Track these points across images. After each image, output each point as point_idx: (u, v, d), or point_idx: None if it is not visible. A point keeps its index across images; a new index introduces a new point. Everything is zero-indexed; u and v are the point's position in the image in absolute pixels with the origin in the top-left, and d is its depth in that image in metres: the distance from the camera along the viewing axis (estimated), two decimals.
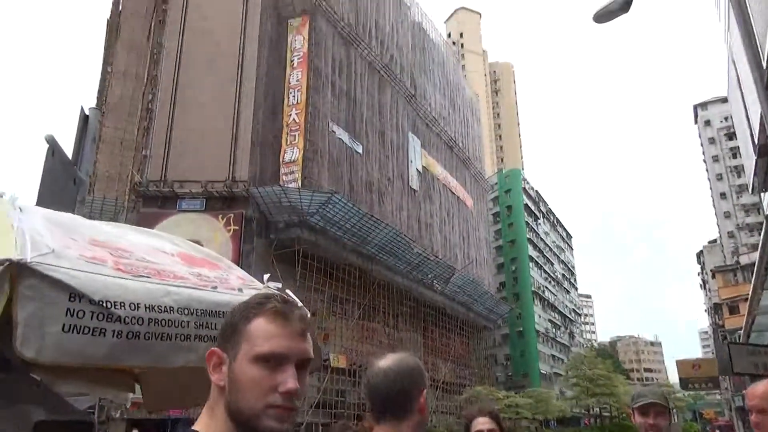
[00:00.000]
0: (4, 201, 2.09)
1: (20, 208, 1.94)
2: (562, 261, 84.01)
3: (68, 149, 3.99)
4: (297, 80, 29.96)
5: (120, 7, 36.68)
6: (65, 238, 1.89)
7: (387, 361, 1.44)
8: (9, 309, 1.53)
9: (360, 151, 32.75)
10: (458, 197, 46.96)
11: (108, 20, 39.54)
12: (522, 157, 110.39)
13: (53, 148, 3.51)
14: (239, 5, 29.80)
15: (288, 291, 2.40)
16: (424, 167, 41.25)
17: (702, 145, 65.56)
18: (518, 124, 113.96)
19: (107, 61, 36.91)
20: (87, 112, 3.92)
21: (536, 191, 77.52)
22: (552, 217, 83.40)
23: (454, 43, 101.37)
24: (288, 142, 28.81)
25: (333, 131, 30.44)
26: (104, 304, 1.62)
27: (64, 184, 3.89)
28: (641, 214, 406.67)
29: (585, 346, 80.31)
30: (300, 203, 25.83)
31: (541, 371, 60.67)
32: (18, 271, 1.53)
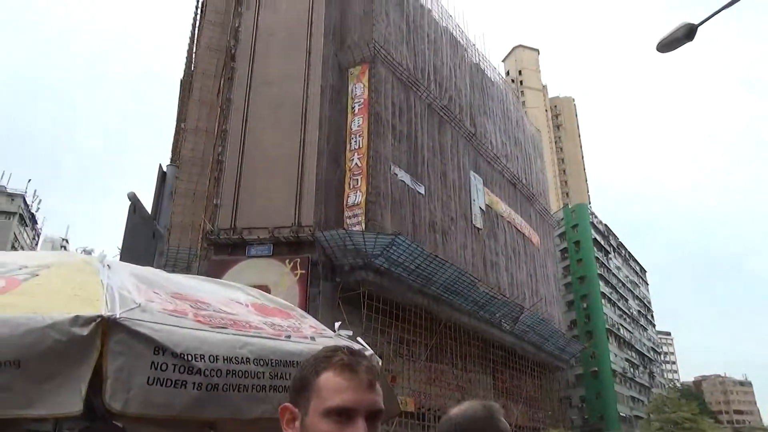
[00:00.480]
0: (93, 259, 2.22)
1: (108, 266, 2.06)
2: (637, 297, 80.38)
3: (147, 204, 4.22)
4: (358, 126, 30.59)
5: (192, 68, 39.06)
6: (149, 292, 1.98)
7: (457, 410, 1.40)
8: (99, 361, 1.61)
9: (422, 192, 32.82)
10: (524, 234, 46.02)
11: (181, 80, 42.26)
12: (588, 191, 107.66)
13: (135, 205, 3.73)
14: (302, 60, 31.04)
15: (359, 339, 2.40)
16: (487, 205, 40.79)
17: None
18: (582, 157, 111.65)
19: (181, 118, 39.17)
20: (165, 169, 4.14)
21: (605, 225, 75.07)
22: (623, 252, 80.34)
23: (513, 80, 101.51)
24: (351, 186, 29.25)
25: (395, 174, 30.72)
26: (185, 357, 1.67)
27: (145, 238, 4.12)
28: (728, 244, 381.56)
29: (667, 386, 75.74)
30: (364, 246, 25.92)
31: (620, 414, 57.50)
32: (108, 326, 1.60)
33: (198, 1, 40.42)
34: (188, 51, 42.13)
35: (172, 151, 40.41)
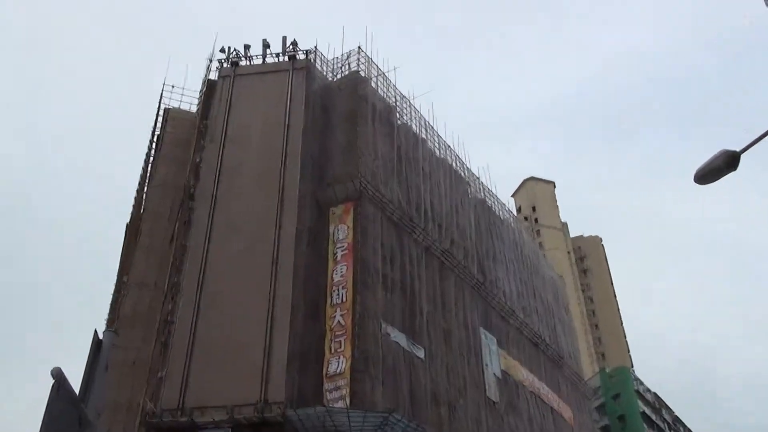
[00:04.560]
0: None
1: None
2: None
3: (76, 380, 4.08)
4: (341, 276, 30.70)
5: (142, 209, 39.70)
6: None
7: None
8: None
9: (421, 355, 32.20)
10: (552, 408, 44.79)
11: (127, 224, 42.52)
12: (628, 350, 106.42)
13: (59, 383, 3.60)
14: (274, 199, 31.97)
15: None
16: (503, 371, 40.09)
17: None
18: (618, 308, 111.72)
19: (123, 271, 39.08)
20: (101, 337, 4.07)
21: (654, 394, 73.29)
22: (682, 429, 77.61)
23: (526, 218, 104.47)
24: (332, 351, 28.60)
25: (387, 333, 30.31)
26: None
27: (67, 425, 3.91)
28: None
29: None
30: (349, 427, 24.86)
31: None
32: None
33: (153, 133, 41.94)
34: (138, 190, 42.80)
35: (111, 311, 39.77)
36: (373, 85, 38.50)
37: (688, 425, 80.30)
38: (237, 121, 35.05)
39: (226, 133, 34.60)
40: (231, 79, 36.62)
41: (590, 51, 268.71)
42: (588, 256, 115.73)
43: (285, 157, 33.32)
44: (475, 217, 44.43)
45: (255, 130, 34.85)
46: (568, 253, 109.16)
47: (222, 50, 37.86)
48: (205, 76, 39.22)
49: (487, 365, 38.22)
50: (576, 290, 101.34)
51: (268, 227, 30.95)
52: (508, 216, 51.77)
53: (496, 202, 49.59)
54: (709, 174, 7.24)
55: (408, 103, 41.53)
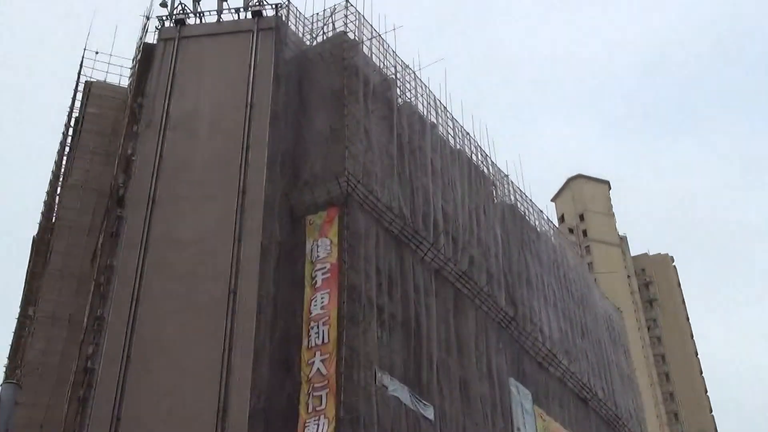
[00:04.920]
0: None
1: None
2: None
3: None
4: (322, 308, 30.36)
5: (54, 219, 39.49)
6: None
7: None
8: None
9: (430, 415, 31.87)
10: None
11: (34, 239, 42.15)
12: (711, 410, 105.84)
13: None
14: (232, 203, 31.67)
15: None
16: None
17: None
18: (696, 353, 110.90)
19: (28, 302, 38.75)
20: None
21: None
22: None
23: (571, 230, 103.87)
24: (310, 410, 28.09)
25: (384, 386, 29.93)
26: None
27: None
28: None
29: None
30: None
31: None
32: None
33: (70, 116, 41.68)
34: (48, 192, 42.48)
35: (11, 357, 39.50)
36: (365, 50, 38.09)
37: None
38: (182, 100, 34.65)
39: (167, 116, 34.13)
40: (175, 43, 36.07)
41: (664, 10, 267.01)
42: (655, 281, 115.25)
43: (247, 148, 33.01)
44: (503, 228, 43.89)
45: (206, 111, 34.63)
46: (628, 277, 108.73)
47: (163, 4, 37.47)
48: (141, 38, 39.03)
49: (519, 429, 37.96)
50: (639, 328, 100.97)
51: (224, 242, 30.64)
52: (547, 227, 51.48)
53: (531, 209, 49.21)
54: None
55: (413, 76, 40.80)
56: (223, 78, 35.54)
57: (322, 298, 30.74)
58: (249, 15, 36.97)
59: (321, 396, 28.38)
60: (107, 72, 40.90)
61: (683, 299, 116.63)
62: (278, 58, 35.61)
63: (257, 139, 33.38)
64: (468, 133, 44.53)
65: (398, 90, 40.00)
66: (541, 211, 51.50)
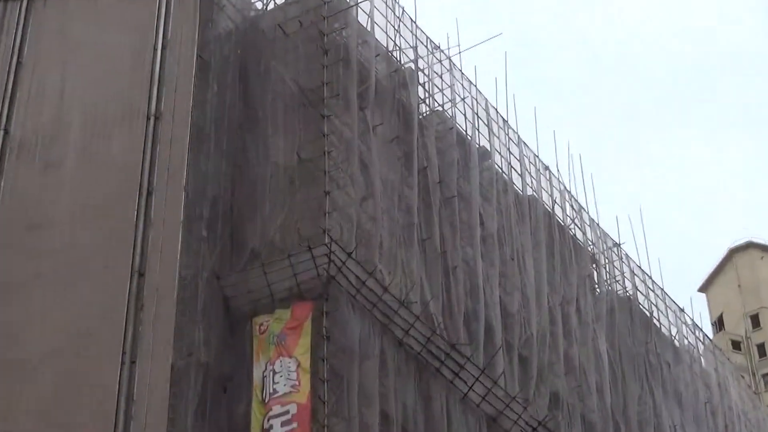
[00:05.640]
0: None
1: None
2: None
3: None
4: None
5: None
6: None
7: None
8: None
9: None
10: None
11: None
12: None
13: None
14: (118, 288, 21.13)
15: None
16: None
17: None
18: None
19: None
20: None
21: None
22: None
23: (737, 343, 76.50)
24: None
25: None
26: None
27: None
28: None
29: None
30: None
31: None
32: None
33: None
34: None
35: None
36: (362, 19, 26.88)
37: None
38: (35, 103, 24.64)
39: (6, 135, 23.69)
40: (22, 4, 25.54)
41: None
42: None
43: (147, 194, 22.50)
44: (611, 340, 33.33)
45: (74, 125, 24.03)
46: None
47: None
48: None
49: None
50: None
51: (110, 353, 20.68)
52: (691, 339, 38.60)
53: (662, 305, 36.34)
54: None
55: (447, 64, 29.00)
56: (104, 66, 24.38)
57: None
58: None
59: None
60: None
61: None
62: (206, 31, 25.09)
63: (166, 178, 22.73)
64: (548, 168, 32.24)
65: (421, 89, 28.53)
66: (682, 310, 38.11)
